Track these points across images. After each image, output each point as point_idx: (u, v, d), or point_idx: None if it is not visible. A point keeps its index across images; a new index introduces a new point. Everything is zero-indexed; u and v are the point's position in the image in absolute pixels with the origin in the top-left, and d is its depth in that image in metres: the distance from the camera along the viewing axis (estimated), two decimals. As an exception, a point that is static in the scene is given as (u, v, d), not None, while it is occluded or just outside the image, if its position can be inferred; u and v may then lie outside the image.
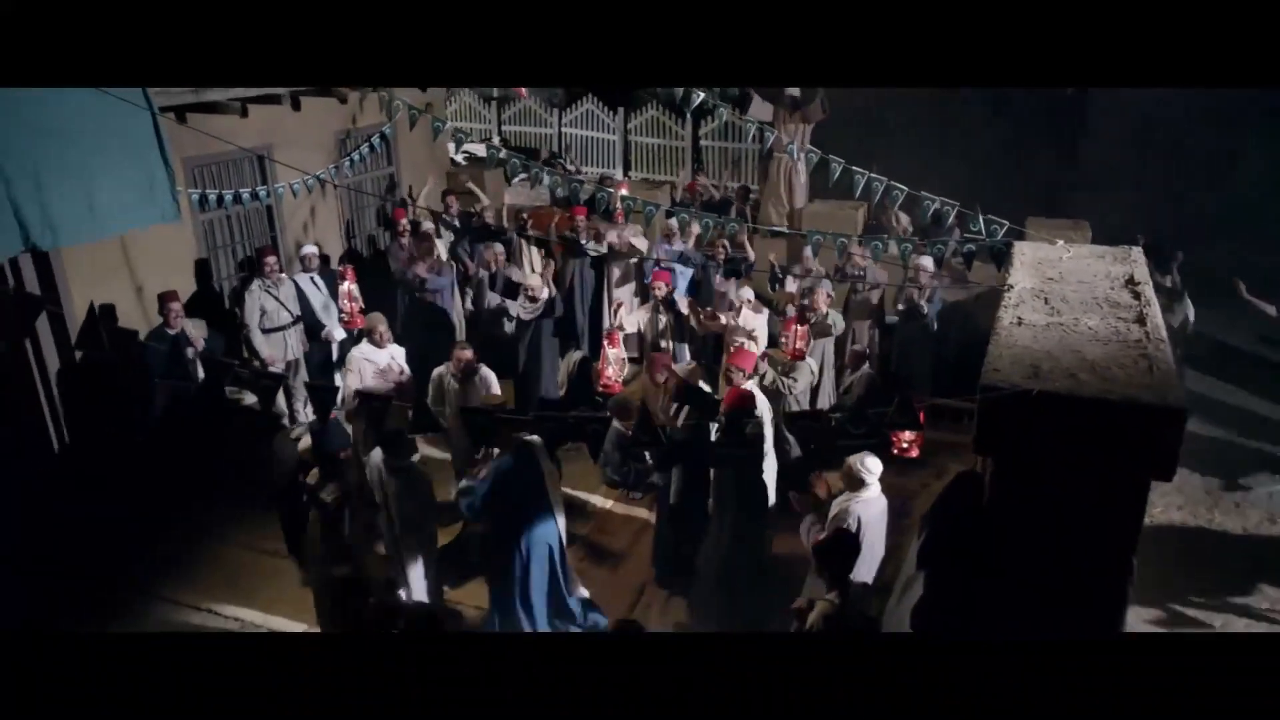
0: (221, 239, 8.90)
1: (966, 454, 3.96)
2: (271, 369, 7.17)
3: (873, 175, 6.28)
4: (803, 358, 6.29)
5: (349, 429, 5.44)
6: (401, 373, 7.00)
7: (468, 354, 6.53)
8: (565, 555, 5.82)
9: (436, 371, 6.77)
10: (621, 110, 17.13)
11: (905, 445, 5.16)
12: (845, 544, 4.24)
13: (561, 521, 5.74)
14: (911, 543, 4.13)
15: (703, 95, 7.31)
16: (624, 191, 9.72)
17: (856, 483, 5.04)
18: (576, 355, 8.66)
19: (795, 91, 10.36)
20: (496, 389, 6.51)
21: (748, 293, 7.87)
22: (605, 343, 5.58)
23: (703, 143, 16.37)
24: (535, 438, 5.64)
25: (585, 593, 6.01)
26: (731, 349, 6.83)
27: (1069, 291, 4.40)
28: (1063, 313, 4.10)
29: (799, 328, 6.11)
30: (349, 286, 7.20)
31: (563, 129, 17.96)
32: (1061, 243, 5.20)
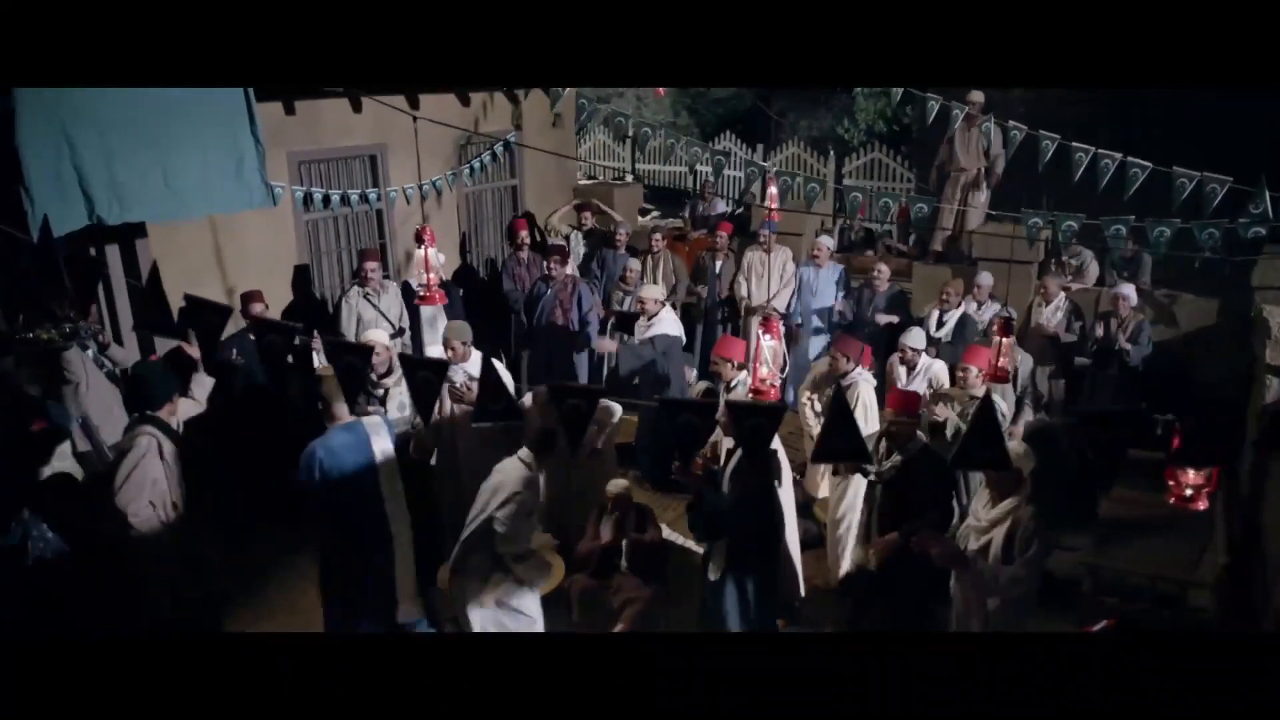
0: (326, 244, 8.18)
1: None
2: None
3: (1101, 151, 4.90)
4: (1007, 379, 4.86)
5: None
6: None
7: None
8: (408, 572, 4.75)
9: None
10: (760, 147, 16.19)
11: (1188, 493, 3.67)
12: None
13: (401, 525, 4.67)
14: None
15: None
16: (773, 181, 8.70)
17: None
18: (702, 385, 7.49)
19: (979, 96, 8.77)
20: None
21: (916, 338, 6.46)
22: (760, 332, 4.15)
23: (846, 181, 15.15)
24: (376, 418, 4.64)
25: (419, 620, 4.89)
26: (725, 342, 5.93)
27: None
28: None
29: (1005, 340, 4.63)
30: (426, 252, 5.56)
31: (698, 166, 17.07)
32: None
